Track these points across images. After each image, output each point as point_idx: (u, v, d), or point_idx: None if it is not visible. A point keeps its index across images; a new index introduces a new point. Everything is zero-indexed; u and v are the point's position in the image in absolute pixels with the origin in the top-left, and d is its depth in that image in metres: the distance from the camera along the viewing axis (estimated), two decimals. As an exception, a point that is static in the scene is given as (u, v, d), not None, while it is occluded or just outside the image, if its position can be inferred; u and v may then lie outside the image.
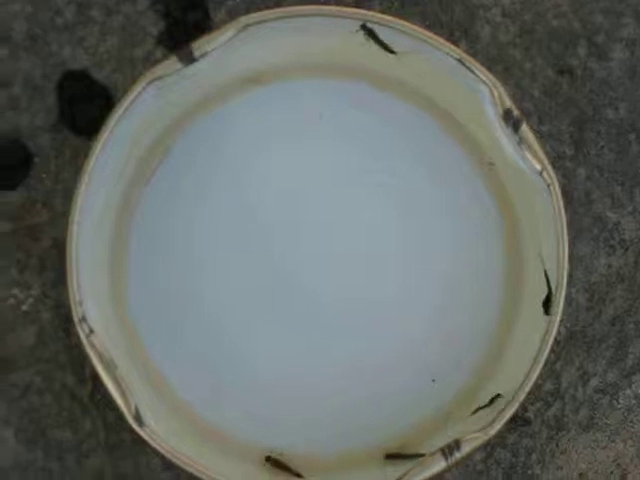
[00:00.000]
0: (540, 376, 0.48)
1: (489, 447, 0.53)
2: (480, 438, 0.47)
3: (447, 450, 0.48)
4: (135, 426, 0.47)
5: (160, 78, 0.48)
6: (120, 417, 0.47)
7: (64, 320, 0.52)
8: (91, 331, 0.47)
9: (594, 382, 0.54)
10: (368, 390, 0.51)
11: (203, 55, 0.48)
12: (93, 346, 0.47)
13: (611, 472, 0.54)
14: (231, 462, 0.49)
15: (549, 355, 0.48)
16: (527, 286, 0.50)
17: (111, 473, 0.52)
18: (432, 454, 0.48)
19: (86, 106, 0.53)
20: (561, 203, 0.48)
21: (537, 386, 0.53)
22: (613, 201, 0.54)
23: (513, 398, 0.48)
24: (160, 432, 0.48)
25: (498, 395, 0.49)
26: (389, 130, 0.51)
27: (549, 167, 0.48)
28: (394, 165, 0.52)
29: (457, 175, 0.51)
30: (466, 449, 0.47)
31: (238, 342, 0.51)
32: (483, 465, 0.53)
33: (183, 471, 0.47)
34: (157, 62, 0.48)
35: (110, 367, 0.47)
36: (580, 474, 0.54)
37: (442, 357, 0.51)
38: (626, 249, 0.54)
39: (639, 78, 0.54)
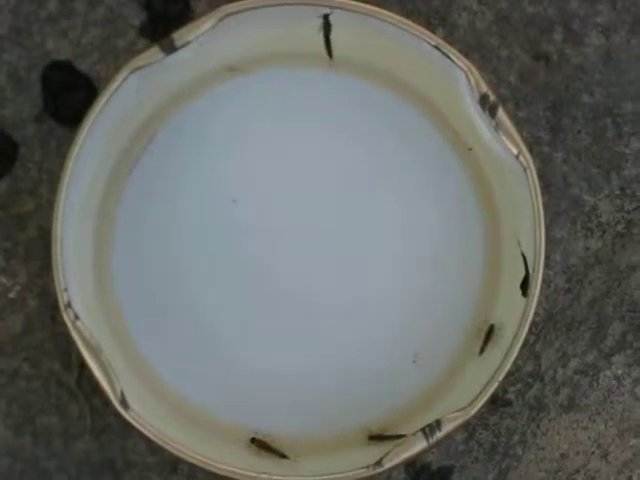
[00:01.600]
0: (520, 357, 0.49)
1: (470, 428, 0.54)
2: (461, 417, 0.48)
3: (428, 430, 0.48)
4: (121, 410, 0.47)
5: (142, 67, 0.49)
6: (106, 402, 0.48)
7: (50, 308, 0.53)
8: (76, 317, 0.48)
9: (574, 363, 0.55)
10: (351, 374, 0.52)
11: (185, 44, 0.49)
12: (79, 331, 0.48)
13: (592, 452, 0.55)
14: (216, 444, 0.50)
15: (528, 336, 0.49)
16: (505, 268, 0.51)
17: (98, 457, 0.53)
18: (413, 434, 0.48)
19: (70, 96, 0.54)
20: (537, 186, 0.48)
21: (517, 367, 0.54)
22: (590, 184, 0.55)
23: (491, 380, 0.48)
24: (145, 415, 0.48)
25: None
26: (371, 117, 0.52)
27: (525, 151, 0.49)
28: (381, 151, 0.52)
29: (438, 160, 0.52)
30: (447, 428, 0.48)
31: (222, 326, 0.52)
32: (465, 446, 0.54)
33: (170, 454, 0.48)
34: (139, 53, 0.49)
35: (96, 352, 0.48)
36: (561, 454, 0.55)
37: (424, 340, 0.52)
38: (603, 232, 0.55)
39: (614, 63, 0.55)
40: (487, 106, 0.49)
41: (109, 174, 0.51)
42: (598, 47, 0.55)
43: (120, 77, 0.48)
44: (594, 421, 0.55)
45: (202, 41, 0.49)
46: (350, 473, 0.48)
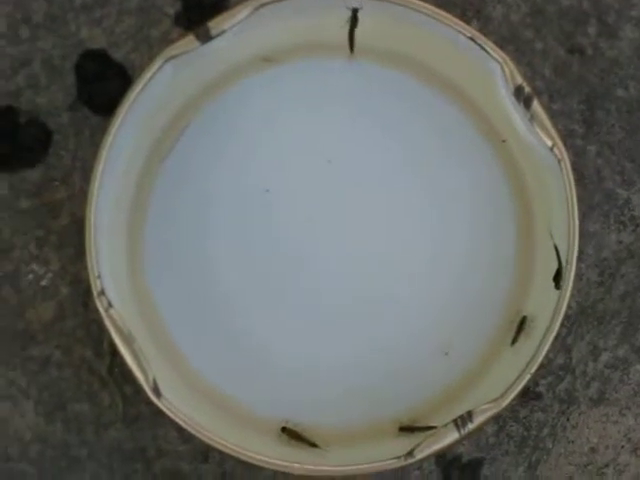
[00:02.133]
0: (552, 350, 0.49)
1: (501, 420, 0.54)
2: (492, 409, 0.48)
3: (460, 421, 0.48)
4: (153, 397, 0.48)
5: (177, 56, 0.49)
6: (138, 390, 0.48)
7: (82, 295, 0.53)
8: (110, 304, 0.48)
9: (605, 357, 0.55)
10: (382, 366, 0.52)
11: (220, 33, 0.49)
12: (112, 319, 0.48)
13: (622, 447, 0.55)
14: (247, 433, 0.50)
15: (560, 329, 0.49)
16: (538, 261, 0.51)
17: (130, 446, 0.53)
18: (445, 425, 0.48)
19: (104, 85, 0.54)
20: (572, 178, 0.48)
21: (548, 360, 0.54)
22: (623, 178, 0.55)
23: (524, 372, 0.48)
24: (177, 404, 0.48)
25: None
26: (404, 108, 0.52)
27: (560, 143, 0.49)
28: (412, 142, 0.52)
29: (472, 152, 0.52)
30: (478, 420, 0.48)
31: (254, 318, 0.52)
32: (495, 438, 0.54)
33: (201, 442, 0.48)
34: (173, 42, 0.49)
35: (128, 340, 0.48)
36: (591, 448, 0.55)
37: (456, 332, 0.52)
38: (636, 225, 0.55)
39: (649, 57, 0.55)
40: (522, 98, 0.49)
41: (142, 163, 0.51)
42: (633, 40, 0.55)
43: (155, 66, 0.48)
44: (624, 415, 0.55)
45: (237, 30, 0.49)
46: (381, 463, 0.48)
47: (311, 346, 0.52)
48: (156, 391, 0.48)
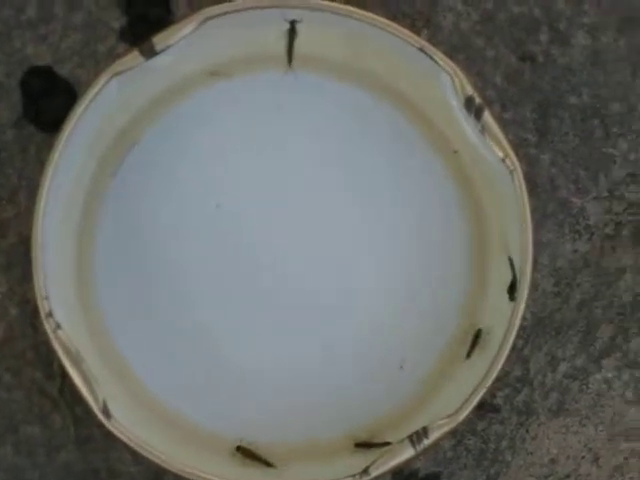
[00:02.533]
0: (508, 362, 0.48)
1: (458, 434, 0.53)
2: (448, 424, 0.47)
3: (415, 437, 0.48)
4: (103, 419, 0.47)
5: (122, 72, 0.48)
6: (89, 411, 0.47)
7: (31, 316, 0.52)
8: (58, 326, 0.47)
9: (563, 367, 0.54)
10: (336, 380, 0.52)
11: (165, 49, 0.49)
12: (60, 340, 0.47)
13: (582, 457, 0.54)
14: (201, 453, 0.50)
15: (517, 341, 0.48)
16: (492, 272, 0.50)
17: (82, 467, 0.52)
18: (400, 442, 0.48)
19: (50, 102, 0.53)
20: (524, 189, 0.48)
21: (505, 372, 0.53)
22: (577, 186, 0.54)
23: (479, 385, 0.48)
24: (128, 425, 0.48)
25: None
26: (350, 120, 0.52)
27: (512, 154, 0.48)
28: (357, 154, 0.52)
29: (421, 165, 0.51)
30: (434, 436, 0.48)
31: (206, 334, 0.51)
32: (453, 452, 0.54)
33: (154, 464, 0.47)
34: (120, 57, 0.48)
35: (77, 361, 0.47)
36: (551, 459, 0.54)
37: (410, 345, 0.52)
38: (591, 234, 0.54)
39: (601, 64, 0.54)
40: (473, 109, 0.49)
41: (91, 179, 0.50)
42: (585, 47, 0.54)
43: (100, 83, 0.48)
44: (584, 425, 0.54)
45: (183, 45, 0.49)
46: None
47: (263, 363, 0.52)
48: (106, 412, 0.47)
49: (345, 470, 0.48)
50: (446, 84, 0.49)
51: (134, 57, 0.48)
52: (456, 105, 0.49)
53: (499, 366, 0.48)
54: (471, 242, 0.51)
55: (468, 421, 0.53)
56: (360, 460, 0.49)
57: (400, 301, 0.52)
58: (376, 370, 0.52)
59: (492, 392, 0.53)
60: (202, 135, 0.52)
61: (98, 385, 0.47)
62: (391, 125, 0.51)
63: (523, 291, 0.48)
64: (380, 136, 0.51)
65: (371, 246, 0.52)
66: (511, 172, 0.48)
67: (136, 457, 0.52)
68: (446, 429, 0.48)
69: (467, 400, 0.48)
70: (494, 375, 0.48)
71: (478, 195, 0.51)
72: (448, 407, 0.48)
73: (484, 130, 0.49)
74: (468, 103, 0.49)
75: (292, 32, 0.50)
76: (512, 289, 0.49)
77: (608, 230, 0.54)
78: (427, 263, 0.52)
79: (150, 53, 0.48)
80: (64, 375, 0.51)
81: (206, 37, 0.49)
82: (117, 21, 0.53)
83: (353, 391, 0.51)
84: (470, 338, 0.50)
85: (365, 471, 0.47)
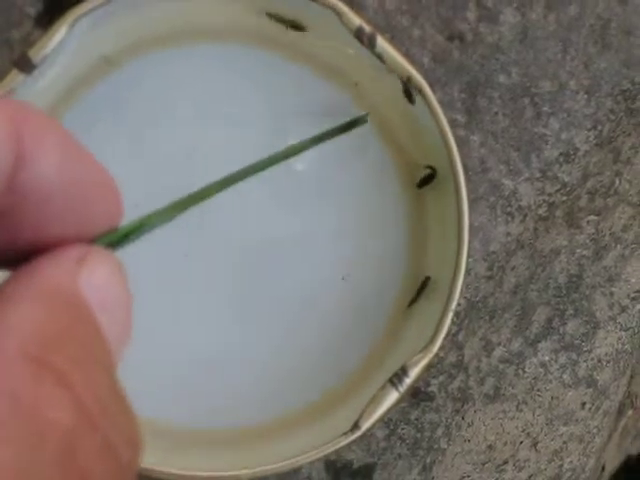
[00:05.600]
0: (442, 348, 0.47)
1: (391, 424, 0.52)
2: (425, 357, 0.46)
3: (396, 379, 0.46)
4: None
5: (10, 92, 0.46)
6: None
7: None
8: None
9: (498, 352, 0.53)
10: (296, 350, 0.51)
11: (43, 59, 0.47)
12: None
13: (521, 442, 0.54)
14: (188, 452, 0.48)
15: (450, 327, 0.47)
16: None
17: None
18: (382, 388, 0.47)
19: (-37, 92, 0.51)
20: (436, 105, 0.47)
21: (439, 359, 0.52)
22: (509, 168, 0.53)
23: (445, 310, 0.47)
24: None
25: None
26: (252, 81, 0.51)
27: (415, 73, 0.47)
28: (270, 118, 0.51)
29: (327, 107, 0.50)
30: (414, 372, 0.46)
31: (157, 329, 0.50)
32: (386, 442, 0.52)
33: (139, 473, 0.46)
34: (34, 43, 0.46)
35: None
36: (489, 446, 0.53)
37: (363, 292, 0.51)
38: (524, 216, 0.53)
39: (530, 41, 0.53)
40: (365, 38, 0.47)
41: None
42: (514, 25, 0.53)
43: None
44: (521, 410, 0.54)
45: (61, 49, 0.47)
46: (329, 444, 0.46)
47: (212, 340, 0.50)
48: None
49: (334, 430, 0.47)
50: (334, 20, 0.48)
51: (15, 75, 0.46)
52: (348, 38, 0.48)
53: (436, 347, 0.46)
54: (402, 183, 0.50)
55: (401, 410, 0.52)
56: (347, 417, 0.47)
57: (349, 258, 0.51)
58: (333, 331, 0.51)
59: (426, 380, 0.52)
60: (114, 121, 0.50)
61: None
62: (296, 77, 0.50)
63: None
64: (278, 88, 0.51)
65: (304, 209, 0.51)
66: (420, 91, 0.47)
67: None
68: (424, 362, 0.46)
69: (437, 329, 0.46)
70: (454, 304, 0.46)
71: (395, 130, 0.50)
72: (418, 345, 0.47)
73: (382, 57, 0.47)
74: (359, 33, 0.47)
75: None
76: None
77: (541, 211, 0.53)
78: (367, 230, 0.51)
79: (29, 68, 0.46)
80: None
81: (85, 34, 0.47)
82: (32, 6, 0.52)
83: (313, 357, 0.50)
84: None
85: (355, 426, 0.46)
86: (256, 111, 0.51)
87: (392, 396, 0.46)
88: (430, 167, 0.49)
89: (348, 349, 0.50)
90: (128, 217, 0.48)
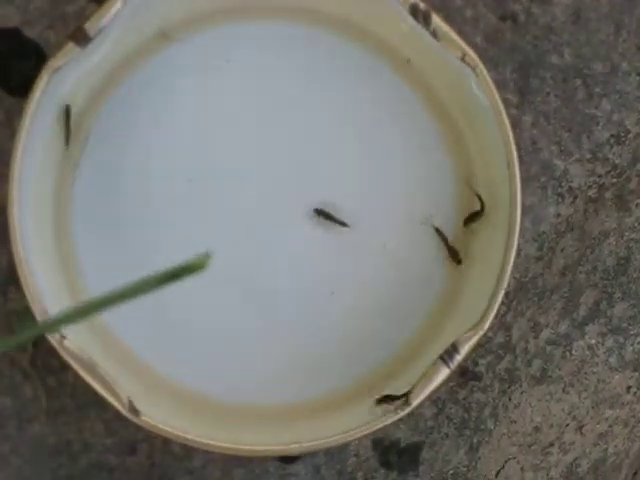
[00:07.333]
0: (490, 328, 0.47)
1: (440, 403, 0.52)
2: (476, 335, 0.46)
3: (446, 356, 0.47)
4: (132, 418, 0.45)
5: (61, 67, 0.46)
6: (62, 382, 0.46)
7: (2, 284, 0.51)
8: (62, 337, 0.45)
9: (546, 334, 0.53)
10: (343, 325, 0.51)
11: (98, 32, 0.47)
12: (69, 351, 0.46)
13: (567, 425, 0.53)
14: (227, 426, 0.49)
15: (499, 307, 0.47)
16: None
17: (54, 440, 0.51)
18: (433, 364, 0.47)
19: (19, 65, 0.51)
20: (491, 83, 0.47)
21: (487, 339, 0.52)
22: (560, 148, 0.53)
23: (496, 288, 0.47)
24: (155, 415, 0.46)
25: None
26: (309, 62, 0.51)
27: (470, 51, 0.47)
28: (319, 101, 0.51)
29: (396, 100, 0.51)
30: (465, 349, 0.46)
31: (193, 303, 0.50)
32: (434, 421, 0.52)
33: (127, 435, 0.46)
34: (89, 18, 0.47)
35: (90, 367, 0.46)
36: (535, 428, 0.53)
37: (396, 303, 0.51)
38: (575, 197, 0.53)
39: (583, 22, 0.53)
40: (420, 15, 0.48)
41: (61, 155, 0.49)
42: (567, 6, 0.53)
43: (42, 82, 0.46)
44: (568, 393, 0.53)
45: (117, 23, 0.47)
46: (378, 421, 0.46)
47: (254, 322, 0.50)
48: (133, 410, 0.45)
49: (382, 408, 0.47)
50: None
51: (70, 49, 0.47)
52: (404, 15, 0.48)
53: (509, 270, 0.47)
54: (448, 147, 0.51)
55: (449, 389, 0.52)
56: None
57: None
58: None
59: (474, 359, 0.52)
60: (169, 104, 0.50)
61: (118, 385, 0.46)
62: (353, 57, 0.51)
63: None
64: (346, 73, 0.51)
65: (354, 183, 0.51)
66: (473, 69, 0.47)
67: (109, 428, 0.50)
68: (475, 339, 0.46)
69: (488, 307, 0.47)
70: (506, 278, 0.47)
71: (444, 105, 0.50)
72: (468, 321, 0.47)
73: (436, 34, 0.47)
74: (413, 10, 0.48)
75: None
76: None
77: (591, 193, 0.53)
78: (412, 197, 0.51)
79: (85, 41, 0.47)
80: (35, 345, 0.50)
81: (141, 8, 0.48)
82: (86, -19, 0.52)
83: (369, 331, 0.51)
84: None
85: (406, 401, 0.46)
86: (314, 92, 0.51)
87: (443, 372, 0.46)
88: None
89: (397, 327, 0.50)
90: (180, 192, 0.49)
